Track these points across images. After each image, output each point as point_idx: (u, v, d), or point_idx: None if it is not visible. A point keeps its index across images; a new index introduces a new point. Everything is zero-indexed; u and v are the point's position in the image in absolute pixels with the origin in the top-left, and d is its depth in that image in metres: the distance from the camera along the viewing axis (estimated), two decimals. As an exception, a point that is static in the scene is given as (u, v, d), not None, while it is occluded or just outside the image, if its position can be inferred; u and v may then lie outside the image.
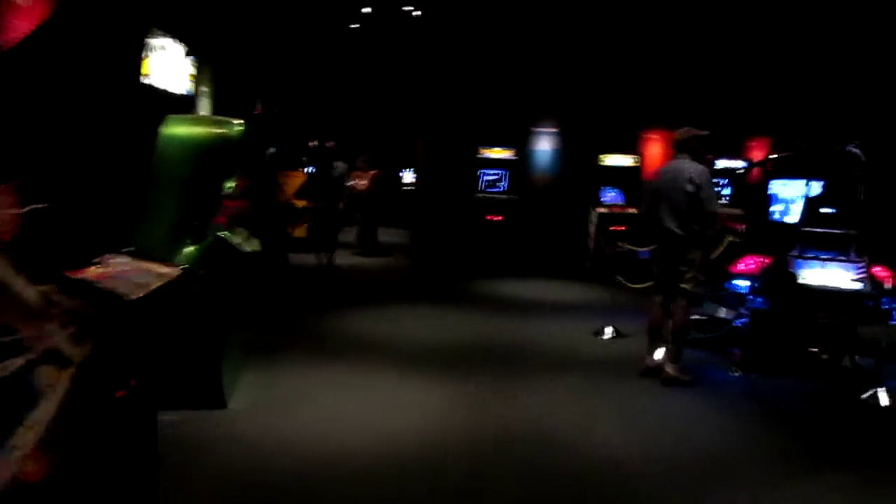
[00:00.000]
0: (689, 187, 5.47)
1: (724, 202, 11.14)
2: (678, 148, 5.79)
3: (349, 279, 9.77)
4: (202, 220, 4.41)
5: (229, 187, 4.69)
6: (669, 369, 5.57)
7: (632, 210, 10.96)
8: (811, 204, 6.21)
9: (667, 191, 5.61)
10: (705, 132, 5.87)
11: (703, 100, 11.32)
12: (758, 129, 11.91)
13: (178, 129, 4.22)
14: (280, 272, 7.35)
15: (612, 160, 11.02)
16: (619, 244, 8.18)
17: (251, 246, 4.50)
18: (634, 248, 7.47)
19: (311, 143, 12.50)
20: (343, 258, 10.60)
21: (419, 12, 13.45)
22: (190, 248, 4.31)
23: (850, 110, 9.68)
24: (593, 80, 11.21)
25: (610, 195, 11.14)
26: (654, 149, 11.74)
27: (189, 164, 4.16)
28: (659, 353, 5.73)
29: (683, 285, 5.58)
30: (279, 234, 7.53)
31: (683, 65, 11.29)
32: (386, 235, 13.45)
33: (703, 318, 6.70)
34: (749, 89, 11.34)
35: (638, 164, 11.15)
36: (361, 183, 12.12)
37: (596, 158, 11.04)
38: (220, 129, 4.34)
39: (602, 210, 10.90)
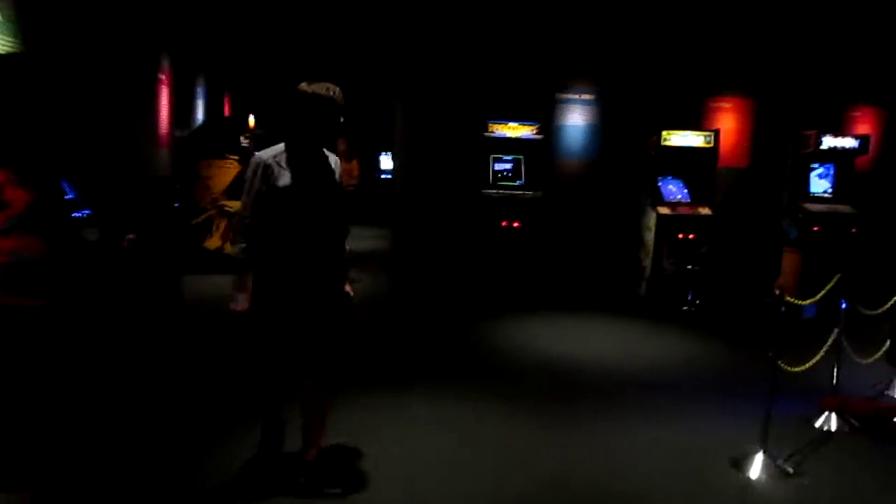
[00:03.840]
0: None
1: (827, 195, 8.07)
2: None
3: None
4: None
5: None
6: None
7: (704, 210, 7.74)
8: None
9: None
10: None
11: (795, 58, 8.20)
12: (863, 96, 8.81)
13: None
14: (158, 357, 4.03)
15: (676, 139, 7.72)
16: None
17: None
18: (795, 300, 4.18)
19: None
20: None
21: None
22: None
23: None
24: (644, 28, 7.96)
25: (673, 189, 7.87)
26: (730, 122, 8.48)
27: None
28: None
29: None
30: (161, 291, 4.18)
31: (769, 9, 8.07)
32: (357, 238, 10.09)
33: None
34: (853, 45, 8.22)
35: (711, 145, 7.85)
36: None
37: (652, 137, 7.75)
38: None
39: (663, 211, 7.64)
